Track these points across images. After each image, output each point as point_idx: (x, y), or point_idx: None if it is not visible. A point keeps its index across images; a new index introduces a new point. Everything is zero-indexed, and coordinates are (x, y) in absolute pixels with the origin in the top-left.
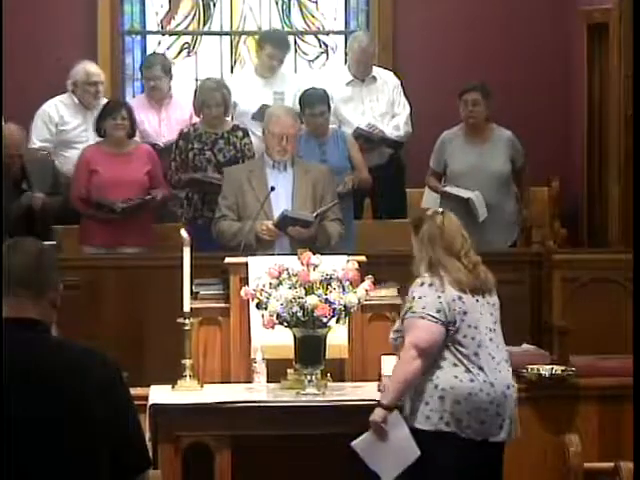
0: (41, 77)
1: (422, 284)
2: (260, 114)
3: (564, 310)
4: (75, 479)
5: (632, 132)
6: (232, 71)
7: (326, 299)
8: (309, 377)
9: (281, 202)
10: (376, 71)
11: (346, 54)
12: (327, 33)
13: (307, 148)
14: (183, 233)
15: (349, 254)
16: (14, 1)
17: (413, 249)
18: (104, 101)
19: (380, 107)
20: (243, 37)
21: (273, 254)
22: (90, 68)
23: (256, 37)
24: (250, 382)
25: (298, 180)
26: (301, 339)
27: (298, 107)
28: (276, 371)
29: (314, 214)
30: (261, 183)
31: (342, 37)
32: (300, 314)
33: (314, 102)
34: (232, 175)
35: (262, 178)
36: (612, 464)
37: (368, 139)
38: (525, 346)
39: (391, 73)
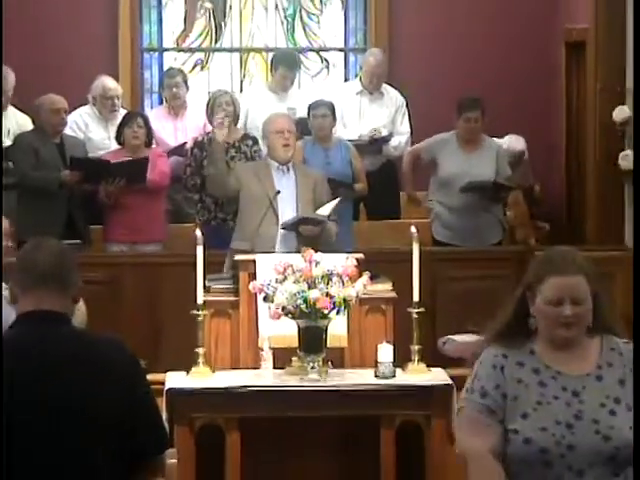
0: (64, 89)
1: None
2: None
3: None
4: (95, 460)
5: (606, 139)
6: (241, 84)
7: (327, 293)
8: (311, 364)
9: (287, 202)
10: (384, 87)
11: (360, 67)
12: (328, 50)
13: (312, 153)
14: (197, 232)
15: (348, 252)
16: (43, 19)
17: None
18: (122, 112)
19: (382, 120)
20: (252, 54)
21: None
22: (108, 83)
23: (269, 58)
24: (258, 368)
25: (300, 182)
26: (304, 329)
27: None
28: (281, 358)
29: (327, 214)
30: (268, 180)
31: (342, 54)
32: (303, 306)
33: (318, 106)
34: (240, 169)
35: (269, 176)
36: None
37: (371, 142)
38: None
39: (397, 92)
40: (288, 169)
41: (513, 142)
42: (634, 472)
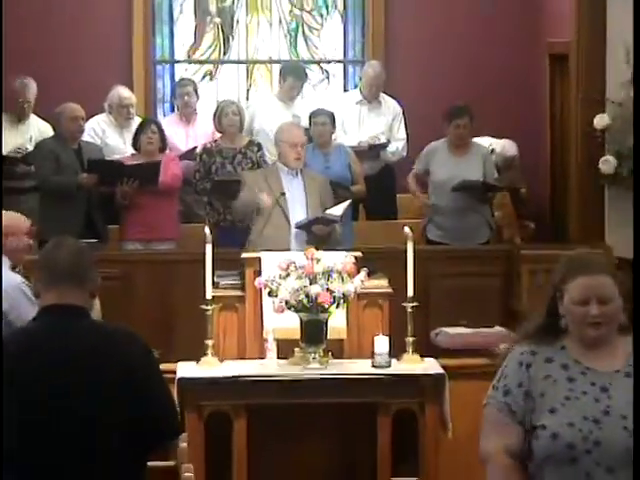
0: (82, 98)
1: None
2: None
3: (530, 297)
4: (113, 443)
5: (587, 145)
6: (247, 93)
7: (327, 288)
8: (313, 354)
9: (296, 204)
10: (382, 96)
11: (360, 78)
12: (328, 62)
13: (313, 158)
14: (206, 231)
15: (347, 250)
16: (62, 33)
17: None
18: (136, 120)
19: (380, 127)
20: (257, 65)
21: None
22: (123, 93)
23: (273, 69)
24: (263, 359)
25: (308, 186)
26: (306, 322)
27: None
28: (285, 349)
29: (339, 214)
30: (277, 184)
31: (341, 65)
32: (305, 301)
33: (318, 114)
34: (249, 176)
35: (278, 180)
36: None
37: (370, 147)
38: (497, 328)
39: (394, 101)
40: (296, 173)
41: (507, 147)
42: (634, 472)
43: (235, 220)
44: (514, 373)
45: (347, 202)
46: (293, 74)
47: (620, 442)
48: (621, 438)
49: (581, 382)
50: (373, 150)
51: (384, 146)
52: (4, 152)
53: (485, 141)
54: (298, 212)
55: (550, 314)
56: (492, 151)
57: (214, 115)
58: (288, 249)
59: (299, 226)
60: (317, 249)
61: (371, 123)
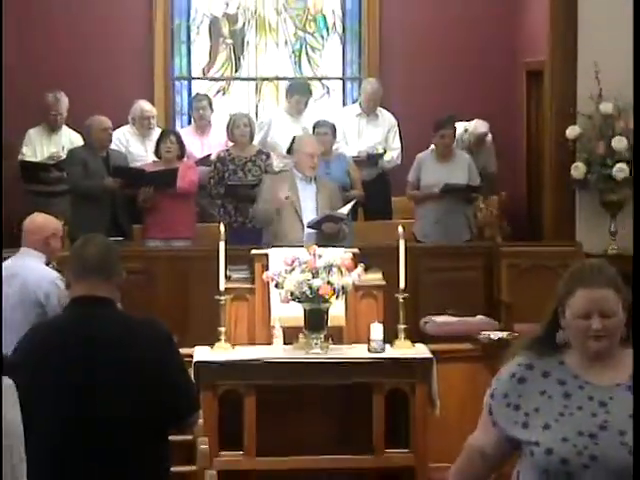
0: (109, 111)
1: None
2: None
3: (509, 290)
4: (138, 415)
5: (560, 153)
6: (257, 107)
7: (328, 281)
8: (315, 340)
9: (308, 206)
10: (379, 110)
11: (359, 94)
12: (329, 79)
13: None
14: (221, 229)
15: (347, 247)
16: (91, 53)
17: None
18: (157, 131)
19: (377, 137)
20: (265, 82)
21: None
22: (145, 106)
23: (280, 85)
24: (270, 344)
25: (320, 191)
26: (309, 311)
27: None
28: (290, 335)
29: (346, 213)
30: (292, 189)
31: (340, 82)
32: (308, 292)
33: (320, 125)
34: (268, 180)
35: (294, 185)
36: None
37: (369, 157)
38: (479, 317)
39: (390, 114)
40: (310, 180)
41: (478, 125)
42: (634, 472)
43: (257, 225)
44: (504, 382)
45: (352, 202)
46: (299, 91)
47: (618, 457)
48: (618, 454)
49: (578, 397)
50: (371, 159)
51: (381, 155)
52: (39, 159)
53: (460, 125)
54: (309, 213)
55: (551, 327)
56: (465, 131)
57: (227, 126)
58: (301, 246)
59: (310, 225)
60: (328, 246)
61: (369, 134)
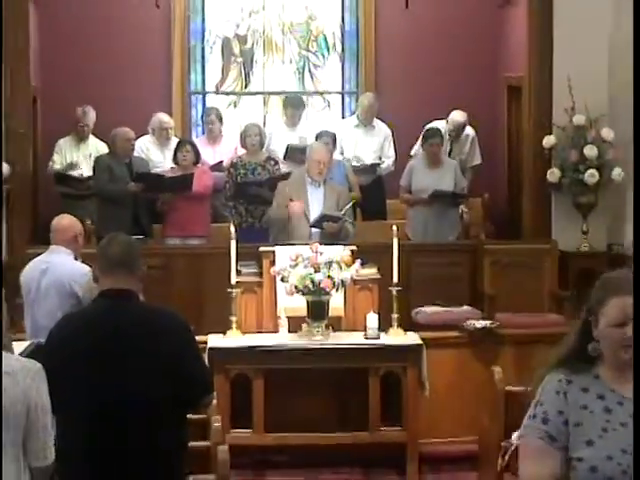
0: (131, 122)
1: None
2: (289, 153)
3: (491, 283)
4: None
5: (537, 161)
6: (264, 119)
7: (329, 275)
8: (317, 329)
9: (315, 208)
10: (375, 121)
11: (358, 107)
12: (329, 93)
13: None
14: (232, 229)
15: (346, 244)
16: (115, 70)
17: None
18: (174, 140)
19: (373, 146)
20: (271, 96)
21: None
22: (163, 118)
23: (281, 100)
24: (276, 332)
25: (327, 195)
26: (311, 303)
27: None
28: (294, 324)
29: (342, 212)
30: (302, 192)
31: (339, 96)
32: (311, 286)
33: (322, 135)
34: (281, 186)
35: (304, 190)
36: (525, 388)
37: (371, 166)
38: (465, 307)
39: (385, 125)
40: (319, 184)
41: (456, 116)
42: (634, 472)
43: (269, 227)
44: (552, 401)
45: (349, 204)
46: (293, 105)
47: None
48: None
49: (619, 413)
50: (372, 167)
51: (379, 164)
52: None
53: (441, 122)
54: (316, 215)
55: (583, 339)
56: (447, 122)
57: (240, 135)
58: (307, 244)
59: (312, 224)
60: (331, 244)
61: (366, 143)
